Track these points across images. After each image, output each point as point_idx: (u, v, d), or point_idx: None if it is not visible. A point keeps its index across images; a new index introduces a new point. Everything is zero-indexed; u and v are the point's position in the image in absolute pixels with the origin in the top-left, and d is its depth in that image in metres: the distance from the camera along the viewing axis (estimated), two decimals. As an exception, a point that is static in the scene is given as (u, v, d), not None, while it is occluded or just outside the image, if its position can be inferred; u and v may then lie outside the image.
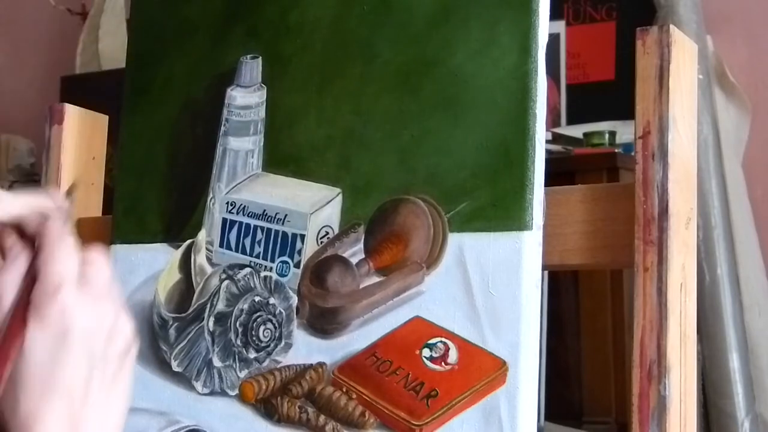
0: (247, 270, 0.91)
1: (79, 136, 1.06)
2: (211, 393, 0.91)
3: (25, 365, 0.63)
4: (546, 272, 1.59)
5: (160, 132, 0.99)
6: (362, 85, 0.88)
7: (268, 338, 0.88)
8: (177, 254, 0.95)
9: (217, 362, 0.91)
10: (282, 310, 0.88)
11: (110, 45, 3.07)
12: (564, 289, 2.33)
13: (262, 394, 0.87)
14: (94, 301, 0.64)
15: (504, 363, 0.79)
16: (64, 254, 0.64)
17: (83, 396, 0.63)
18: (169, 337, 0.93)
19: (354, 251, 0.86)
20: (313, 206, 0.88)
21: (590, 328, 2.28)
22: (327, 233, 0.88)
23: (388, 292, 0.84)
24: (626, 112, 1.66)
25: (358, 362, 0.84)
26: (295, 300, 0.88)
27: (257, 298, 0.89)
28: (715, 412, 2.31)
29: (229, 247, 0.93)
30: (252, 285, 0.89)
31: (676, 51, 0.78)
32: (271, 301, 0.89)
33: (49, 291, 0.63)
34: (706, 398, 2.31)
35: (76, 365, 0.63)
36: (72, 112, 1.06)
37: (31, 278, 0.64)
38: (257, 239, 0.88)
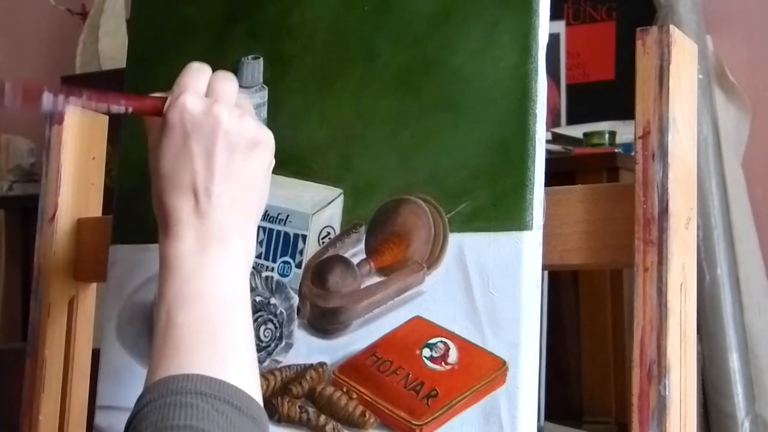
0: (248, 270, 0.90)
1: (79, 136, 1.06)
2: (212, 393, 0.91)
3: (158, 163, 0.78)
4: (546, 272, 1.59)
5: (161, 132, 0.98)
6: (363, 85, 0.88)
7: (268, 338, 0.88)
8: (177, 254, 0.95)
9: (217, 362, 0.90)
10: (283, 311, 0.88)
11: (110, 45, 3.07)
12: (564, 289, 2.33)
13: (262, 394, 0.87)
14: (210, 105, 0.78)
15: (504, 363, 0.79)
16: (189, 73, 0.81)
17: (206, 186, 0.77)
18: (169, 337, 0.93)
19: (355, 251, 0.86)
20: (315, 206, 0.88)
21: (590, 328, 2.28)
22: (329, 233, 0.88)
23: (389, 292, 0.84)
24: (626, 112, 1.66)
25: (358, 362, 0.84)
26: (296, 300, 0.88)
27: (258, 299, 0.89)
28: (715, 412, 2.31)
29: (229, 247, 0.92)
30: (253, 285, 0.89)
31: (676, 51, 0.78)
32: (272, 301, 0.89)
33: (172, 99, 0.79)
34: (706, 398, 2.31)
35: (197, 165, 0.77)
36: (72, 112, 1.06)
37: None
38: (259, 239, 0.88)
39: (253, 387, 0.73)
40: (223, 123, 0.78)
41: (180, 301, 0.75)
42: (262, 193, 0.82)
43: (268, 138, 0.81)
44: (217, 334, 0.74)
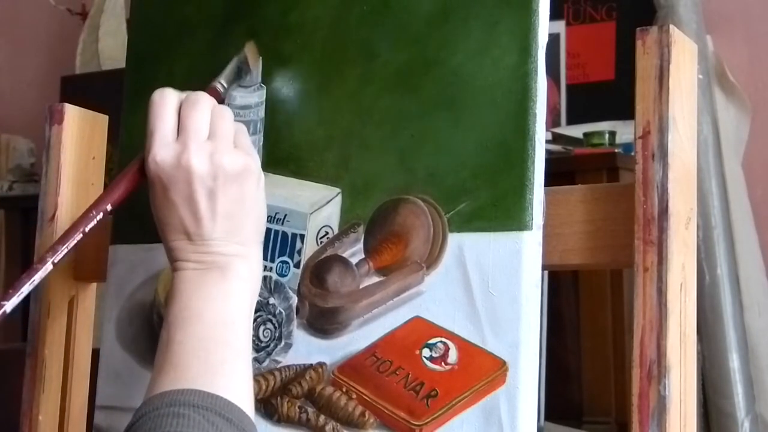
0: (247, 270, 0.90)
1: (79, 136, 1.06)
2: (211, 393, 0.91)
3: (153, 209, 0.81)
4: (546, 272, 1.59)
5: (160, 132, 0.98)
6: (362, 85, 0.88)
7: (267, 338, 0.88)
8: (177, 254, 0.95)
9: (217, 362, 0.90)
10: (282, 310, 0.88)
11: (110, 45, 3.07)
12: (564, 289, 2.33)
13: (261, 394, 0.87)
14: (179, 156, 0.78)
15: (504, 363, 0.79)
16: (154, 114, 0.80)
17: (195, 230, 0.79)
18: (169, 337, 0.93)
19: (354, 251, 0.86)
20: (313, 206, 0.88)
21: (590, 328, 2.28)
22: (327, 233, 0.88)
23: (388, 292, 0.84)
24: (626, 112, 1.66)
25: (358, 362, 0.84)
26: (294, 300, 0.88)
27: (257, 298, 0.89)
28: (715, 412, 2.31)
29: (229, 247, 0.92)
30: (252, 285, 0.89)
31: (676, 51, 0.78)
32: (271, 301, 0.89)
33: (145, 156, 0.80)
34: (706, 398, 2.31)
35: (182, 213, 0.79)
36: (72, 112, 1.06)
37: None
38: (257, 239, 0.88)
39: (245, 402, 0.76)
40: (194, 171, 0.78)
41: (180, 322, 0.78)
42: (258, 213, 0.83)
43: (247, 162, 0.81)
44: (213, 351, 0.77)
